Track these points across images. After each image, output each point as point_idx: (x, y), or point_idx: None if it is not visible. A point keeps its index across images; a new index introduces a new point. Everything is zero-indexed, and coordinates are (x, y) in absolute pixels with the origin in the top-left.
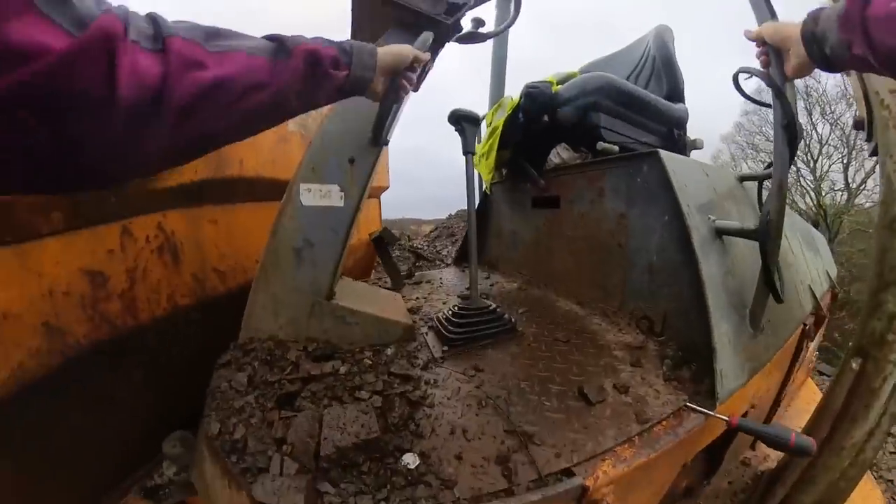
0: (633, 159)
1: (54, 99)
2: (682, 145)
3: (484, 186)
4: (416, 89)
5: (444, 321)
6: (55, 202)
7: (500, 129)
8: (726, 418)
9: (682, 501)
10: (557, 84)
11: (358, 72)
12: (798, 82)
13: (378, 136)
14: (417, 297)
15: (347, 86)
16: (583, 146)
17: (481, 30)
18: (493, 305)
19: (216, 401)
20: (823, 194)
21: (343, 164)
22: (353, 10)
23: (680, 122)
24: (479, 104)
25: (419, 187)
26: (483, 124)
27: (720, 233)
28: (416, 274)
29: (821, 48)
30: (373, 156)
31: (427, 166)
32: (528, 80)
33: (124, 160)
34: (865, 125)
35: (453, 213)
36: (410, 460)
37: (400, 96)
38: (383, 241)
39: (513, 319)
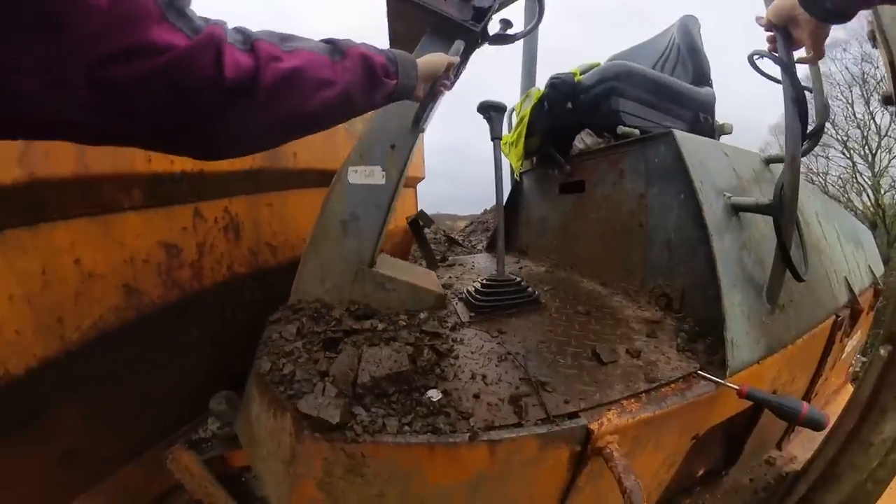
0: (651, 140)
1: (180, 79)
2: (710, 129)
3: (514, 174)
4: (450, 88)
5: (472, 292)
6: (135, 180)
7: (527, 117)
8: (736, 386)
9: (701, 488)
10: (580, 74)
11: (404, 81)
12: (854, 69)
13: (417, 125)
14: (450, 277)
15: (395, 93)
16: (605, 131)
17: (510, 31)
18: (519, 279)
19: (267, 347)
20: (882, 192)
21: (385, 149)
22: (388, 16)
23: (705, 106)
24: (511, 101)
25: (454, 183)
26: (512, 114)
27: (736, 209)
28: (449, 258)
29: (820, 4)
30: (411, 142)
31: (462, 162)
32: (555, 71)
33: (225, 132)
34: (895, 98)
35: (488, 208)
36: (434, 394)
37: (437, 97)
38: (419, 224)
39: (536, 293)
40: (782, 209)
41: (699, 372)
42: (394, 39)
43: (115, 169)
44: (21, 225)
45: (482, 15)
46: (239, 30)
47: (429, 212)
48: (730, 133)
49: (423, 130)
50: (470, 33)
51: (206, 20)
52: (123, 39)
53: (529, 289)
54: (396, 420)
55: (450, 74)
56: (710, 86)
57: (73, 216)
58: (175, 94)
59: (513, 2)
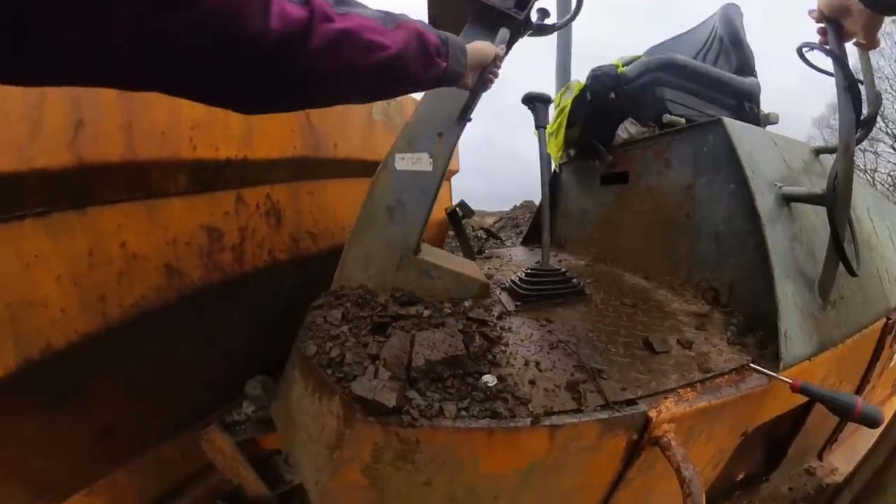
0: (699, 128)
1: (226, 26)
2: (755, 119)
3: (553, 165)
4: (495, 79)
5: (516, 281)
6: (180, 167)
7: (568, 108)
8: (789, 380)
9: (740, 493)
10: (623, 66)
11: (454, 65)
12: None
13: (464, 116)
14: (489, 268)
15: (445, 77)
16: (650, 120)
17: (547, 21)
18: (564, 269)
19: (312, 331)
20: None
21: (433, 136)
22: (429, 7)
23: (750, 95)
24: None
25: (480, 178)
26: (552, 106)
27: (787, 199)
28: (486, 251)
29: None
30: (457, 131)
31: (487, 157)
32: (590, 62)
33: (271, 85)
34: None
35: (517, 205)
36: (490, 379)
37: (485, 87)
38: (458, 215)
39: (581, 284)
40: (836, 199)
41: (752, 365)
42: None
43: (162, 155)
44: (70, 208)
45: (525, 2)
46: None
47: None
48: (776, 123)
49: (469, 120)
50: (513, 21)
51: None
52: None
53: (574, 279)
54: (454, 405)
55: (497, 64)
56: (755, 76)
57: (119, 200)
58: (219, 43)
59: None
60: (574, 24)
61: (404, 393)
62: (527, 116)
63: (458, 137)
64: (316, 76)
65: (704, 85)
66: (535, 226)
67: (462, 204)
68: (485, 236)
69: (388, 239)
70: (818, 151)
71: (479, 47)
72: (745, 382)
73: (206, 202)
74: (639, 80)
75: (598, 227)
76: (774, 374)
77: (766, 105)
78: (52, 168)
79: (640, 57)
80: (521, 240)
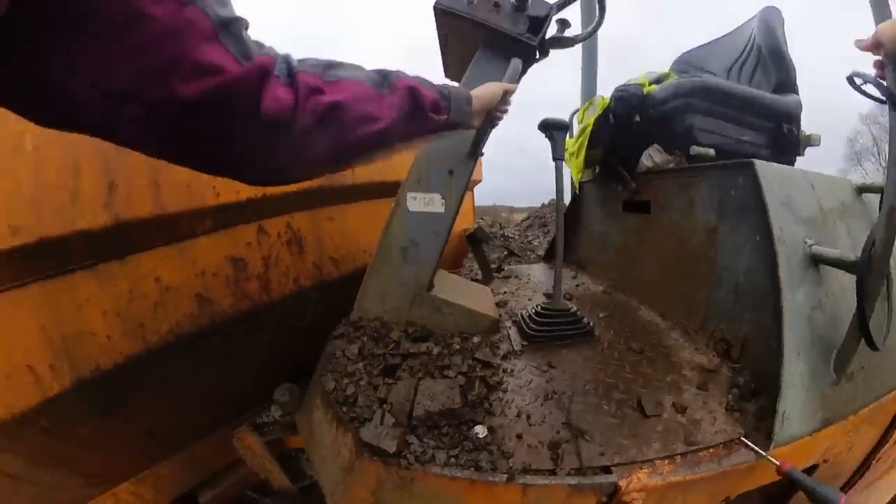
0: (727, 169)
1: (223, 106)
2: (794, 142)
3: (573, 184)
4: (506, 112)
5: (526, 318)
6: (206, 212)
7: (590, 128)
8: (777, 462)
9: None
10: (650, 84)
11: (456, 117)
12: None
13: (475, 152)
14: (505, 292)
15: (447, 129)
16: (677, 148)
17: (567, 32)
18: (574, 308)
19: (331, 364)
20: None
21: (444, 175)
22: (438, 32)
23: (790, 116)
24: (570, 92)
25: (512, 175)
26: (574, 120)
27: (816, 260)
28: (505, 268)
29: None
30: (469, 168)
31: (517, 154)
32: (617, 67)
33: (261, 161)
34: None
35: (546, 202)
36: (480, 431)
37: (495, 125)
38: (476, 238)
39: (591, 323)
40: (870, 269)
41: (742, 439)
42: (446, 57)
43: (188, 206)
44: (112, 258)
45: (539, 26)
46: (286, 59)
47: (485, 204)
48: (817, 145)
49: (482, 154)
50: (526, 48)
51: (260, 45)
52: (174, 52)
53: (584, 319)
54: (445, 452)
55: (507, 101)
56: (796, 92)
57: (153, 247)
58: (215, 120)
59: (571, 3)
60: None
61: (405, 437)
62: (556, 110)
63: (471, 173)
64: (307, 151)
65: (739, 109)
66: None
67: (479, 229)
68: (505, 253)
69: (403, 278)
70: (861, 190)
71: (486, 90)
72: (731, 458)
73: (229, 235)
74: (666, 104)
75: (619, 254)
76: (763, 454)
77: (812, 98)
78: (93, 228)
79: (668, 75)
80: (543, 253)
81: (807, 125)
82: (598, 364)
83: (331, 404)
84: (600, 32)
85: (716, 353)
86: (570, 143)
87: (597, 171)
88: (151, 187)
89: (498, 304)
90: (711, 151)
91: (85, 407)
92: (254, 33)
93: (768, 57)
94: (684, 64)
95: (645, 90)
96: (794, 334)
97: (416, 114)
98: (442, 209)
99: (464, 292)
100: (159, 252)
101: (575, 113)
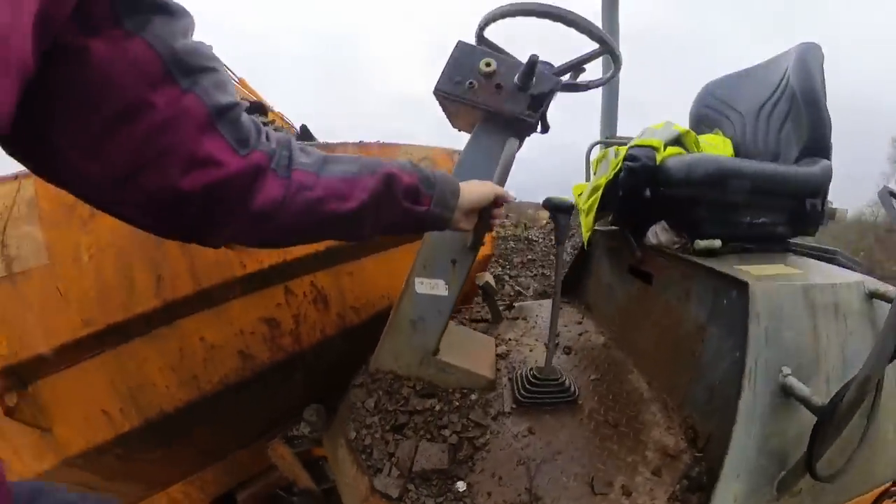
0: (723, 278)
1: (216, 198)
2: (816, 217)
3: (583, 240)
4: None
5: (519, 381)
6: (235, 281)
7: (602, 189)
8: None
9: None
10: (666, 147)
11: (437, 210)
12: None
13: (476, 246)
14: (510, 340)
15: (428, 220)
16: (684, 231)
17: (582, 78)
18: (563, 378)
19: (353, 413)
20: None
21: (447, 264)
22: (442, 108)
23: (817, 190)
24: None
25: (536, 170)
26: (590, 155)
27: (787, 393)
28: (516, 306)
29: None
30: (470, 259)
31: (540, 150)
32: (642, 59)
33: (242, 239)
34: None
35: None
36: (461, 486)
37: (490, 228)
38: (487, 291)
39: (576, 392)
40: (831, 418)
41: None
42: (454, 122)
43: (221, 278)
44: (162, 325)
45: (540, 101)
46: (288, 146)
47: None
48: (843, 221)
49: (483, 244)
50: (525, 125)
51: (258, 130)
52: (173, 142)
53: (572, 388)
54: (433, 500)
55: (500, 204)
56: (828, 153)
57: (194, 312)
58: (209, 209)
59: (582, 64)
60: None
61: (406, 486)
62: (579, 109)
63: (473, 261)
64: (285, 233)
65: (759, 193)
66: (570, 278)
67: (488, 284)
68: (529, 257)
69: (412, 345)
70: (872, 295)
71: (475, 192)
72: None
73: (260, 298)
74: (678, 189)
75: (621, 312)
76: None
77: (858, 89)
78: (147, 310)
79: (688, 134)
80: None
81: (852, 124)
82: (573, 435)
83: (353, 450)
84: (622, 19)
85: (684, 437)
86: (582, 199)
87: (612, 217)
88: (189, 271)
89: (500, 356)
90: (717, 243)
91: (152, 439)
92: (277, 37)
93: (802, 105)
94: (710, 98)
95: (658, 157)
96: (738, 460)
97: (389, 199)
98: (446, 293)
99: (468, 348)
100: (200, 317)
101: (594, 146)
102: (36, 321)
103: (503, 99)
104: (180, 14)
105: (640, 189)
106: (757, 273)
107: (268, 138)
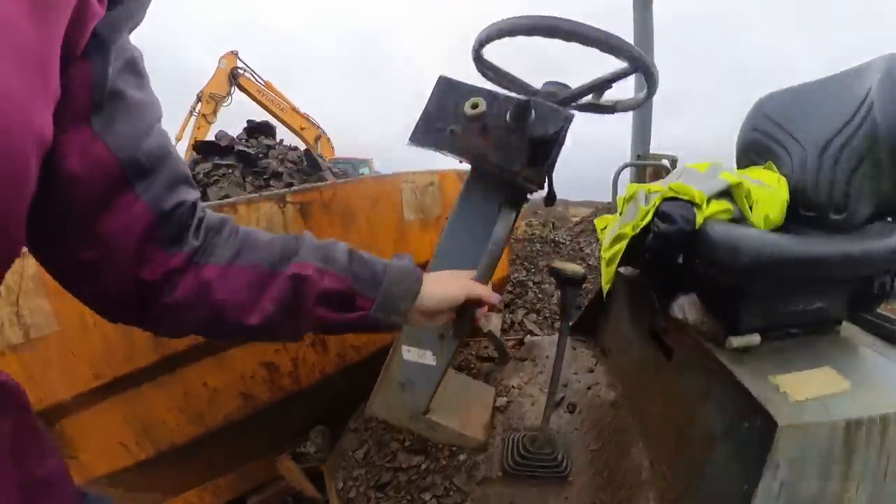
0: (750, 400)
1: (142, 289)
2: (882, 295)
3: (602, 288)
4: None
5: (511, 448)
6: None
7: (626, 242)
8: None
9: None
10: (708, 202)
11: (379, 315)
12: None
13: (458, 336)
14: (512, 388)
15: (366, 326)
16: (719, 316)
17: (607, 96)
18: (556, 453)
19: (343, 461)
20: None
21: (435, 338)
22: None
23: (886, 266)
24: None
25: (563, 165)
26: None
27: None
28: (526, 342)
29: None
30: (455, 341)
31: (576, 145)
32: (674, 44)
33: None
34: None
35: (599, 207)
36: None
37: (474, 319)
38: (492, 335)
39: (569, 468)
40: None
41: None
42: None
43: None
44: (166, 373)
45: (547, 152)
46: (208, 244)
47: (539, 195)
48: None
49: (466, 334)
50: (519, 193)
51: (196, 224)
52: (114, 246)
53: (563, 464)
54: None
55: (482, 304)
56: None
57: (195, 360)
58: (134, 300)
59: (607, 84)
60: None
61: None
62: None
63: (462, 337)
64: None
65: (816, 276)
66: (585, 315)
67: (490, 331)
68: (521, 336)
69: (403, 402)
70: None
71: (439, 290)
72: None
73: (258, 345)
74: (718, 272)
75: (635, 370)
76: None
77: None
78: (148, 364)
79: (740, 185)
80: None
81: None
82: None
83: (340, 500)
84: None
85: None
86: (604, 245)
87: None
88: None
89: (498, 409)
90: (756, 340)
91: (167, 463)
92: (305, 37)
93: (886, 150)
94: (764, 120)
95: (699, 216)
96: None
97: (298, 307)
98: (433, 363)
99: (464, 402)
100: (201, 364)
101: (622, 169)
102: (55, 376)
103: (491, 146)
104: (147, 106)
105: (672, 257)
106: (794, 390)
107: (198, 232)
